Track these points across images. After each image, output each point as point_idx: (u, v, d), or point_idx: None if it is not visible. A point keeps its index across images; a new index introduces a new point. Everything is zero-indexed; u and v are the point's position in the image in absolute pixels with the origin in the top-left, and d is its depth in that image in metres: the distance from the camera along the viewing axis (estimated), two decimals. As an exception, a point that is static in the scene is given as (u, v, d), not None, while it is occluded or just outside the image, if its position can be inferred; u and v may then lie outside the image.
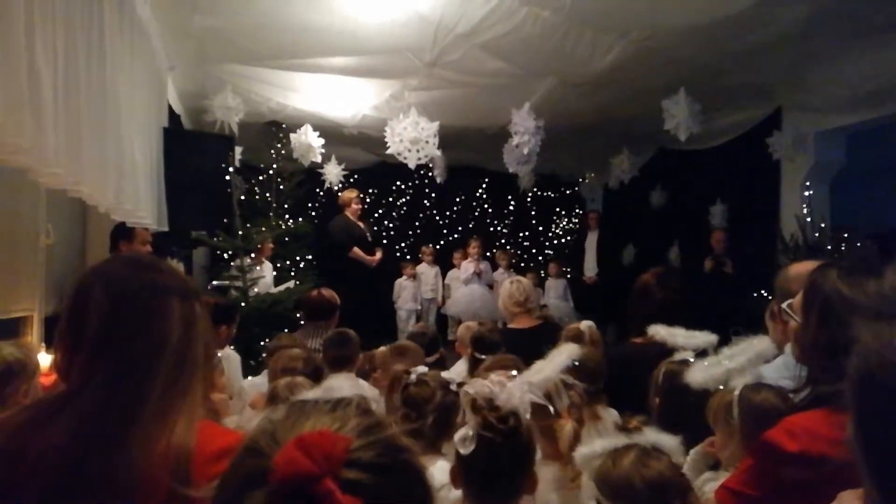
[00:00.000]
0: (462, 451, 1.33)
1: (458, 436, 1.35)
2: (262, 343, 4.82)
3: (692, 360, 2.10)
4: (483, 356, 2.80)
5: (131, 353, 1.11)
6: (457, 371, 3.19)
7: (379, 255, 6.91)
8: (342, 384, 1.58)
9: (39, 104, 1.83)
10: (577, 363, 2.01)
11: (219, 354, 3.04)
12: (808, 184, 6.05)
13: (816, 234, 5.67)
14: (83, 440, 1.05)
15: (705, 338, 2.20)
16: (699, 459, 1.89)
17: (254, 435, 0.64)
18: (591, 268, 8.52)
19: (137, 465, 1.03)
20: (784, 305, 1.56)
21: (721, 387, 1.79)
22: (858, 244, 5.34)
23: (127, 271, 1.19)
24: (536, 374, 1.80)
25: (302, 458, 0.55)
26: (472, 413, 1.37)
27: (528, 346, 2.73)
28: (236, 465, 0.63)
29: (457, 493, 1.42)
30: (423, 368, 2.06)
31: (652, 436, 1.43)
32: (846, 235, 5.49)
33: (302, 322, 4.16)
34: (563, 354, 1.95)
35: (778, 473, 1.30)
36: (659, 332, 2.28)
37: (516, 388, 1.41)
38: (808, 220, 5.80)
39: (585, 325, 3.01)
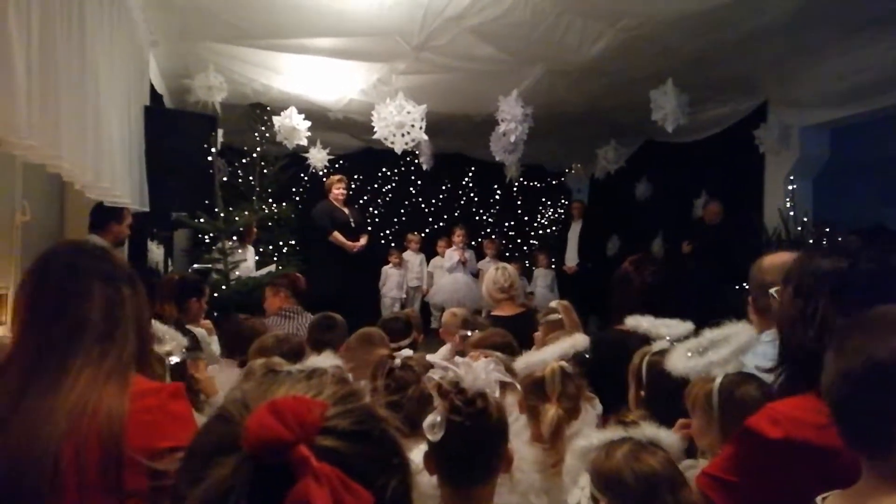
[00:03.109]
0: (431, 438, 1.31)
1: (426, 423, 1.32)
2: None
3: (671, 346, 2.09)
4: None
5: (51, 331, 1.22)
6: (440, 355, 3.17)
7: (363, 240, 6.84)
8: (324, 362, 1.56)
9: (10, 73, 1.77)
10: (587, 355, 2.00)
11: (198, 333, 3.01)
12: (791, 178, 6.09)
13: (799, 228, 5.72)
14: (7, 409, 1.14)
15: (685, 326, 2.20)
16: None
17: (223, 403, 0.61)
18: (572, 257, 8.56)
19: (59, 434, 1.11)
20: (772, 291, 1.55)
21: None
22: (840, 238, 5.39)
23: (56, 255, 1.32)
24: (536, 354, 1.78)
25: (275, 423, 0.52)
26: (439, 398, 1.35)
27: (510, 333, 2.74)
28: (204, 433, 0.60)
29: (434, 477, 1.40)
30: (408, 352, 2.03)
31: (650, 430, 1.42)
32: (828, 230, 5.55)
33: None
34: (568, 342, 1.93)
35: (760, 460, 1.29)
36: (641, 323, 2.26)
37: (481, 368, 1.39)
38: (791, 213, 5.85)
39: (556, 302, 3.06)
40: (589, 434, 1.48)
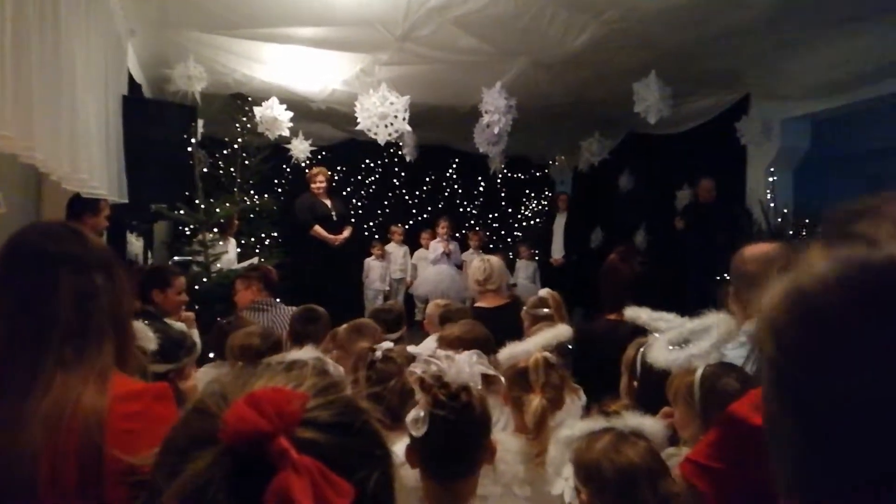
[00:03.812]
0: (415, 433, 1.30)
1: (409, 417, 1.31)
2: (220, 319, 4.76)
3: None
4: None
5: (15, 327, 1.11)
6: (426, 347, 3.17)
7: (346, 233, 6.82)
8: (304, 355, 1.55)
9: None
10: (570, 346, 1.99)
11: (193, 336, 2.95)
12: (772, 170, 6.15)
13: (779, 220, 5.78)
14: None
15: (681, 321, 2.20)
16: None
17: (200, 396, 0.60)
18: (558, 250, 8.59)
19: (34, 446, 1.01)
20: None
21: None
22: (820, 230, 5.43)
23: (22, 240, 1.18)
24: (520, 345, 1.78)
25: (253, 415, 0.50)
26: (422, 392, 1.34)
27: (491, 324, 2.74)
28: (180, 427, 0.58)
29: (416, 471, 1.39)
30: (388, 344, 2.01)
31: (633, 420, 1.42)
32: (808, 221, 5.62)
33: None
34: (551, 333, 1.93)
35: (744, 447, 1.30)
36: (640, 315, 2.26)
37: (464, 362, 1.39)
38: (772, 205, 5.91)
39: (545, 291, 3.06)
40: (572, 424, 1.48)
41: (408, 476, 1.34)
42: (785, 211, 5.87)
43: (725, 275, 2.19)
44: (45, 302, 1.13)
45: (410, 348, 1.76)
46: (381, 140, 5.39)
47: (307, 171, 7.08)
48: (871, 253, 0.46)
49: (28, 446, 1.01)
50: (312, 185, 6.80)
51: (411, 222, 9.37)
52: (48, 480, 1.00)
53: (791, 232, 5.49)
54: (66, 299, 1.13)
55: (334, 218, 6.77)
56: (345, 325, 3.03)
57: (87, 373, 1.10)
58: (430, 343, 3.33)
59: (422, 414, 1.30)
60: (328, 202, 6.83)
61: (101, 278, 1.19)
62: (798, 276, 0.50)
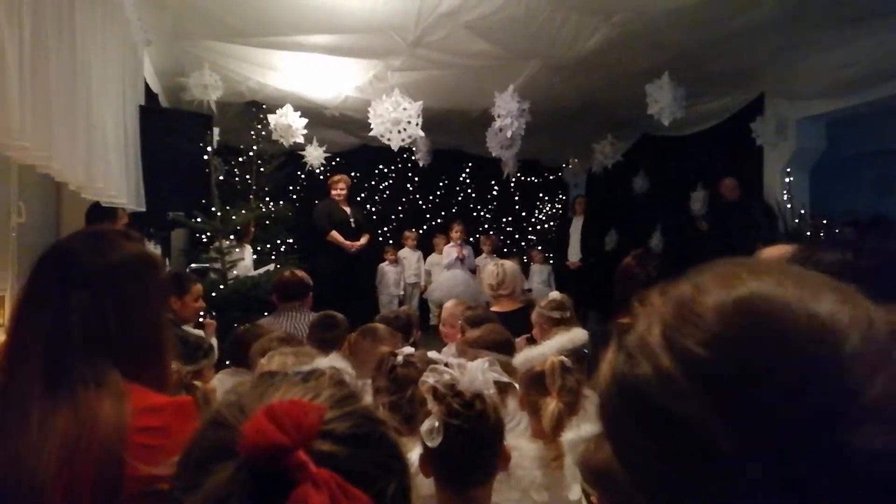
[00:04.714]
0: (430, 443, 1.29)
1: (423, 428, 1.30)
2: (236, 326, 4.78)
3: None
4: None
5: (16, 336, 1.09)
6: (448, 354, 3.16)
7: (363, 240, 6.85)
8: (328, 364, 1.54)
9: (2, 73, 1.75)
10: (586, 350, 1.99)
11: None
12: (788, 170, 6.09)
13: (796, 221, 5.71)
14: None
15: None
16: None
17: (218, 407, 0.60)
18: (574, 253, 8.56)
19: (50, 453, 0.97)
20: None
21: None
22: (836, 231, 5.38)
23: (48, 250, 1.16)
24: (536, 349, 1.77)
25: (272, 428, 0.51)
26: (435, 402, 1.33)
27: (508, 329, 2.74)
28: (198, 439, 0.58)
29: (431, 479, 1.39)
30: (409, 349, 2.01)
31: None
32: (825, 222, 5.55)
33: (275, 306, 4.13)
34: (566, 337, 1.93)
35: None
36: None
37: (477, 369, 1.38)
38: (789, 206, 5.84)
39: (553, 295, 3.05)
40: (578, 427, 1.47)
41: (422, 484, 1.34)
42: (802, 212, 5.81)
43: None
44: (30, 317, 1.08)
45: (432, 354, 1.75)
46: (395, 145, 5.41)
47: (321, 176, 7.12)
48: (631, 368, 0.54)
49: (42, 465, 0.96)
50: (333, 192, 6.84)
51: (425, 227, 9.38)
52: (62, 497, 0.96)
53: (808, 233, 5.43)
54: (71, 310, 1.07)
55: (352, 225, 6.81)
56: (355, 331, 3.02)
57: (105, 387, 1.05)
58: (451, 350, 3.32)
59: (436, 424, 1.29)
60: (347, 209, 6.87)
61: (114, 289, 1.12)
62: (598, 378, 0.61)
